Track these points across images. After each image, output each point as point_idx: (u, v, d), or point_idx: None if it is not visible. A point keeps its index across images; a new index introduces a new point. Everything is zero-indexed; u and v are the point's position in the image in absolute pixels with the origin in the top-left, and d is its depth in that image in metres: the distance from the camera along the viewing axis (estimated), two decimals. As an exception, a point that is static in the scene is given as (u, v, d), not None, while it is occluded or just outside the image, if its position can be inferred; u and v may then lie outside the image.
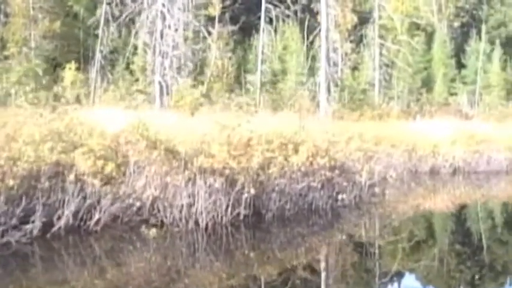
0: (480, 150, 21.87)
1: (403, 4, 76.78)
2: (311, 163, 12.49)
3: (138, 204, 10.95)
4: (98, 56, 39.96)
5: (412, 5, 79.70)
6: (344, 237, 12.01)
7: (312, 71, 48.53)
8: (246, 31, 55.73)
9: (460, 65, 66.13)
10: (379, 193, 13.94)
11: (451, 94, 60.67)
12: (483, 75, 62.81)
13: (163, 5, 35.40)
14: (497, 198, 18.76)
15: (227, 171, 11.18)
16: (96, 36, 41.13)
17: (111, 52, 44.38)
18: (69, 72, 37.52)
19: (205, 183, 10.85)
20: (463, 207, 16.84)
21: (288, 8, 47.11)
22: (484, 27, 69.79)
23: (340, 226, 12.70)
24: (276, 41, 60.70)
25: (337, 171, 12.91)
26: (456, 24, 77.07)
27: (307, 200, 12.45)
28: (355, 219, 13.30)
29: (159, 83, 34.96)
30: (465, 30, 74.10)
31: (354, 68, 56.42)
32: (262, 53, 47.42)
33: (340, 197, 12.66)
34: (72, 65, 37.84)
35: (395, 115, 37.10)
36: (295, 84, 50.57)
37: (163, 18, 35.62)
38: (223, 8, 54.48)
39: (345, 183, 12.90)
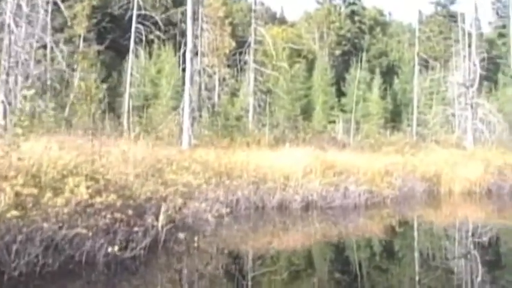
0: (338, 182, 19.24)
1: (284, 31, 75.86)
2: (91, 202, 9.42)
3: None
4: None
5: (294, 32, 79.00)
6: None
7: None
8: (122, 53, 52.58)
9: (340, 93, 65.29)
10: (188, 238, 10.85)
11: (330, 122, 59.50)
12: (362, 104, 62.14)
13: (10, 18, 31.65)
14: (354, 235, 16.21)
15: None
16: None
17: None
18: None
19: None
20: (313, 247, 14.13)
21: (159, 29, 44.11)
22: (364, 56, 69.63)
23: (121, 284, 9.53)
24: (150, 64, 58.13)
25: (130, 212, 9.86)
26: (337, 52, 76.60)
27: (80, 250, 9.25)
28: (148, 275, 10.10)
29: (2, 102, 31.27)
30: (346, 58, 73.61)
31: (234, 94, 54.51)
32: (131, 75, 44.08)
33: (126, 245, 9.56)
34: None
35: (266, 143, 34.59)
36: (166, 108, 48.05)
37: (10, 33, 31.86)
38: (90, 26, 51.25)
39: (136, 228, 9.81)
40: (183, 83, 48.81)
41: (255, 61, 47.33)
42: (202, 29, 47.81)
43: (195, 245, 10.85)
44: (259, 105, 48.61)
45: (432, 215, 21.64)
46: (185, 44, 49.76)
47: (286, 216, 17.76)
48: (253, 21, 48.39)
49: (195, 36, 46.19)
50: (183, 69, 49.46)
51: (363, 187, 19.55)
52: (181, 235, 10.48)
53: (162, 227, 10.28)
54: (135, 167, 12.73)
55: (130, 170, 11.90)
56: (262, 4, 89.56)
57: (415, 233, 17.61)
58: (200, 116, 43.67)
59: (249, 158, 19.31)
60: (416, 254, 13.68)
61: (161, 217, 10.18)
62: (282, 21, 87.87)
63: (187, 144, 30.76)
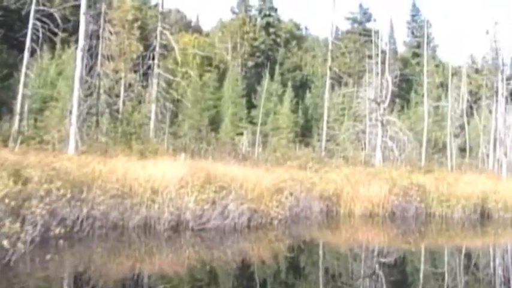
0: (217, 199, 16.40)
1: (197, 39, 73.46)
2: None
3: None
4: None
5: (207, 41, 76.74)
6: None
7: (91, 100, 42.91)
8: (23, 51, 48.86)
9: (251, 105, 63.28)
10: None
11: (238, 134, 57.29)
12: (273, 117, 60.53)
13: None
14: (234, 262, 13.64)
15: None
16: None
17: None
18: None
19: None
20: (178, 281, 11.38)
21: (58, 26, 40.71)
22: (278, 69, 68.23)
23: None
24: (51, 64, 55.00)
25: None
26: (250, 63, 74.74)
27: None
28: None
29: None
30: (259, 70, 71.76)
31: (141, 101, 51.81)
32: (26, 75, 40.50)
33: None
34: None
35: (164, 152, 32.04)
36: (65, 112, 44.84)
37: None
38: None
39: None
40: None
41: (159, 66, 44.52)
42: (104, 29, 44.82)
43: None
44: (162, 113, 45.88)
45: (327, 240, 19.21)
46: (95, 47, 46.94)
47: (150, 239, 14.88)
48: (159, 24, 45.55)
49: (97, 37, 43.40)
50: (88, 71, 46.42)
51: (245, 205, 16.74)
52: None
53: None
54: None
55: None
56: (178, 11, 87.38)
57: (305, 260, 15.19)
58: (97, 121, 40.88)
59: (117, 167, 16.44)
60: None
61: None
62: (197, 29, 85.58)
63: (74, 150, 27.86)
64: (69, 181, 14.46)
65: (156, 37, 45.59)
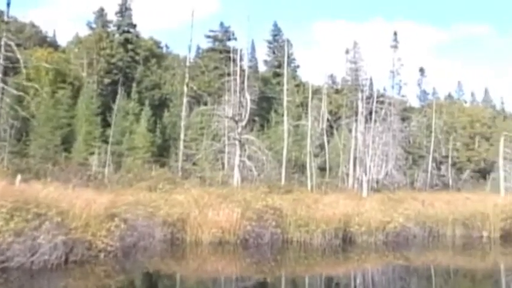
0: (27, 229, 13.33)
1: (50, 54, 69.47)
2: None
3: None
4: None
5: (62, 57, 72.78)
6: None
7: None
8: None
9: (106, 124, 59.93)
10: None
11: (92, 153, 53.89)
12: (129, 136, 57.67)
13: None
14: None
15: None
16: None
17: None
18: None
19: None
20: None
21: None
22: (135, 87, 65.65)
23: None
24: None
25: None
26: (107, 80, 71.33)
27: None
28: None
29: None
30: (116, 88, 68.44)
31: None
32: None
33: None
34: None
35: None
36: None
37: None
38: None
39: None
40: None
41: (3, 81, 40.69)
42: None
43: None
44: (4, 130, 42.21)
45: (169, 273, 16.87)
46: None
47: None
48: (4, 35, 41.56)
49: None
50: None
51: (60, 237, 13.96)
52: None
53: None
54: None
55: None
56: (33, 25, 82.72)
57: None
58: None
59: None
60: None
61: None
62: (53, 44, 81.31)
63: None
64: None
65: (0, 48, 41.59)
